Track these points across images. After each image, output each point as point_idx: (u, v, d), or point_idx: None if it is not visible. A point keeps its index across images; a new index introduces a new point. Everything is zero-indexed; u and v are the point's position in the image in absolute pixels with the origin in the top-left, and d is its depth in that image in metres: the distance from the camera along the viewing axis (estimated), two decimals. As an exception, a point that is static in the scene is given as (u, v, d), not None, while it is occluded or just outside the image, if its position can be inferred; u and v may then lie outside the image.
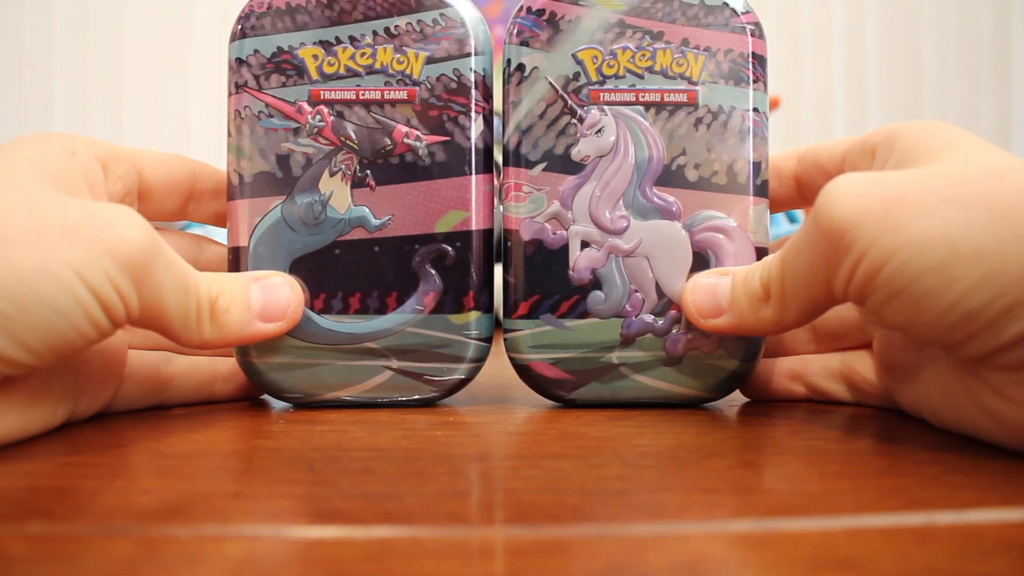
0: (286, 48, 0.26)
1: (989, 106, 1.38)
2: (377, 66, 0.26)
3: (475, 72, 0.26)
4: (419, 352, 0.26)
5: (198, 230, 0.42)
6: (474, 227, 0.26)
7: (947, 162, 0.21)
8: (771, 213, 0.27)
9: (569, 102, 0.26)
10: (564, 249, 0.26)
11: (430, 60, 0.26)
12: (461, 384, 0.27)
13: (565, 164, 0.26)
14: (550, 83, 0.26)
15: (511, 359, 0.27)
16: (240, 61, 0.26)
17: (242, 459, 0.21)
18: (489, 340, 0.27)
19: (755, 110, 0.26)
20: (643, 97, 0.26)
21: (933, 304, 0.19)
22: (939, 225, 0.18)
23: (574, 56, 0.26)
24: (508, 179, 0.27)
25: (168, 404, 0.27)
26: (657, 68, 0.26)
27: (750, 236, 0.26)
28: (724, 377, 0.27)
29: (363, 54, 0.26)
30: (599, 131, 0.26)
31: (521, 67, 0.26)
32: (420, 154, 0.26)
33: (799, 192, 0.28)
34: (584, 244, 0.26)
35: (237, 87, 0.27)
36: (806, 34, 1.38)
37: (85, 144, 0.24)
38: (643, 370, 0.26)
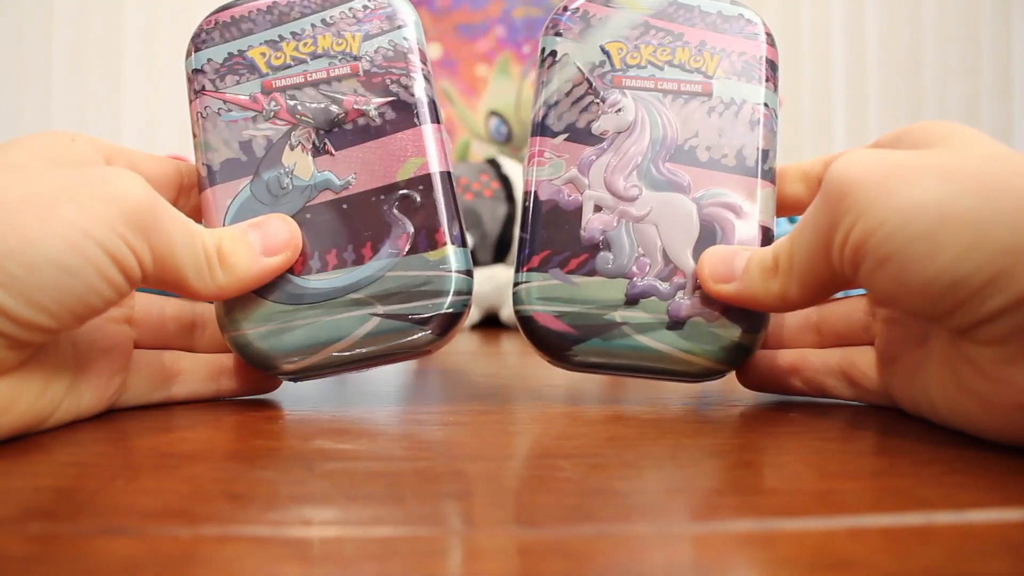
0: (236, 52, 0.28)
1: (989, 106, 1.38)
2: (320, 51, 0.28)
3: (408, 40, 0.28)
4: (401, 293, 0.26)
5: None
6: (432, 170, 0.27)
7: (948, 148, 0.23)
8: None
9: (594, 84, 0.28)
10: (578, 211, 0.27)
11: (367, 37, 0.28)
12: (451, 321, 0.26)
13: (586, 137, 0.28)
14: (578, 67, 0.28)
15: (516, 312, 0.27)
16: (196, 71, 0.29)
17: (242, 459, 0.21)
18: (470, 273, 0.27)
19: (765, 105, 0.28)
20: (661, 85, 0.28)
21: (921, 271, 0.19)
22: (930, 194, 0.19)
23: (601, 47, 0.28)
24: (532, 147, 0.28)
25: (175, 400, 0.28)
26: (676, 62, 0.28)
27: (757, 215, 0.27)
28: (725, 346, 0.27)
29: (305, 44, 0.28)
30: (619, 110, 0.28)
31: (553, 53, 0.28)
32: (371, 116, 0.27)
33: None
34: (597, 208, 0.27)
35: (196, 93, 0.28)
36: (806, 34, 1.38)
37: (85, 137, 0.25)
38: (645, 331, 0.27)
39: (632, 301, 0.27)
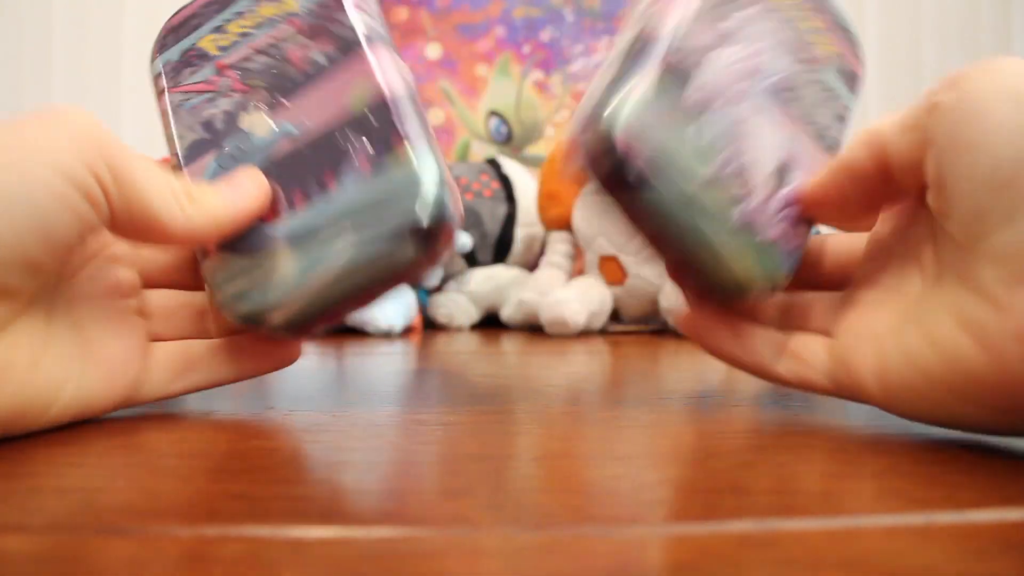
0: (189, 47, 0.30)
1: (989, 106, 1.37)
2: (263, 20, 0.29)
3: None
4: (373, 208, 0.25)
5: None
6: (384, 90, 0.27)
7: None
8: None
9: (727, 5, 0.28)
10: (688, 77, 0.26)
11: None
12: (430, 233, 0.25)
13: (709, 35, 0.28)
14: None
15: (594, 126, 0.25)
16: (157, 76, 0.30)
17: (242, 459, 0.21)
18: (443, 182, 0.25)
19: (847, 108, 0.30)
20: (785, 35, 0.29)
21: (992, 154, 0.19)
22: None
23: None
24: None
25: (197, 388, 0.27)
26: (804, 26, 0.30)
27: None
28: (761, 266, 0.26)
29: (248, 19, 0.29)
30: (747, 33, 0.28)
31: None
32: (318, 60, 0.28)
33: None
34: (704, 91, 0.26)
35: (159, 95, 0.29)
36: (806, 34, 1.38)
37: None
38: (705, 214, 0.25)
39: (709, 186, 0.26)
